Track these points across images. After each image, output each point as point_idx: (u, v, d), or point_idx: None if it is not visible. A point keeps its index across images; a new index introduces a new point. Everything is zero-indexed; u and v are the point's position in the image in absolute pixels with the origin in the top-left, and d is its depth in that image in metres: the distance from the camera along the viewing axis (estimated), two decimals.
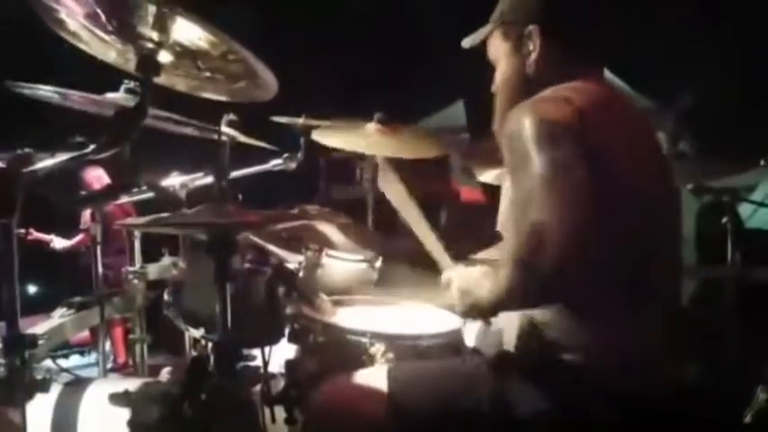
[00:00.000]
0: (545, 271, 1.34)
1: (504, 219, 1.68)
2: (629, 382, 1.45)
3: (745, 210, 3.09)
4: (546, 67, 1.62)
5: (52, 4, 1.37)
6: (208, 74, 1.57)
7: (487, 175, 3.01)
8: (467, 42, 1.82)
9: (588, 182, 1.37)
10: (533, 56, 1.63)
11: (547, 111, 1.44)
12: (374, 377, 1.63)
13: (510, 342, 1.58)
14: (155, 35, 1.40)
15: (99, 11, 1.37)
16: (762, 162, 2.71)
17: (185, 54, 1.47)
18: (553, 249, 1.33)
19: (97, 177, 4.46)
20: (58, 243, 4.77)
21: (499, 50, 1.70)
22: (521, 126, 1.43)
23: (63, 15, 1.41)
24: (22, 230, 2.26)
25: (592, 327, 1.47)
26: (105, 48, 1.50)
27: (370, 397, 1.58)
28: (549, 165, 1.38)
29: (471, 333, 1.93)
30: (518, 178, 1.44)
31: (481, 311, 1.58)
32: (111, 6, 1.36)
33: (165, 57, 1.45)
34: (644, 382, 1.47)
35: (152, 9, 1.34)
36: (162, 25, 1.38)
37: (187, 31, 1.39)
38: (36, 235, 4.71)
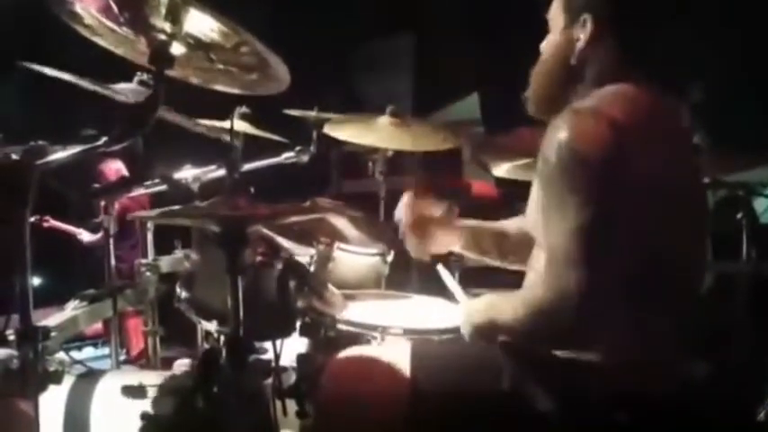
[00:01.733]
0: (562, 331, 1.42)
1: (533, 217, 1.64)
2: (642, 379, 1.45)
3: (760, 205, 3.07)
4: (591, 60, 1.57)
5: None
6: (220, 66, 1.57)
7: (500, 169, 3.00)
8: None
9: (621, 222, 1.38)
10: (580, 44, 1.57)
11: (584, 135, 1.40)
12: (388, 354, 1.63)
13: None
14: (167, 27, 1.40)
15: (111, 2, 1.37)
16: None
17: (198, 46, 1.46)
18: (574, 317, 1.39)
19: (116, 170, 4.47)
20: (86, 237, 4.79)
21: (556, 19, 1.64)
22: (557, 150, 1.40)
23: (77, 8, 1.41)
24: (38, 217, 2.28)
25: (607, 325, 1.46)
26: (119, 40, 1.50)
27: (383, 375, 1.58)
28: (585, 220, 1.38)
29: None
30: (549, 204, 1.45)
31: (483, 332, 1.59)
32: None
33: (177, 49, 1.45)
34: (658, 379, 1.46)
35: (165, 0, 1.34)
36: (174, 16, 1.38)
37: (200, 23, 1.39)
38: (60, 226, 4.72)
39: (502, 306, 1.56)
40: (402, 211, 1.94)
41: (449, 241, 1.96)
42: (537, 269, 1.61)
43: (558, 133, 1.42)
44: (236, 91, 1.71)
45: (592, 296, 1.37)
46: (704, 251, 1.64)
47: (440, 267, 1.96)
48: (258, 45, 1.42)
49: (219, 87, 1.69)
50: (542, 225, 1.48)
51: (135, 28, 1.43)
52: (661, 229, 1.44)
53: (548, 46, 1.66)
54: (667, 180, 1.45)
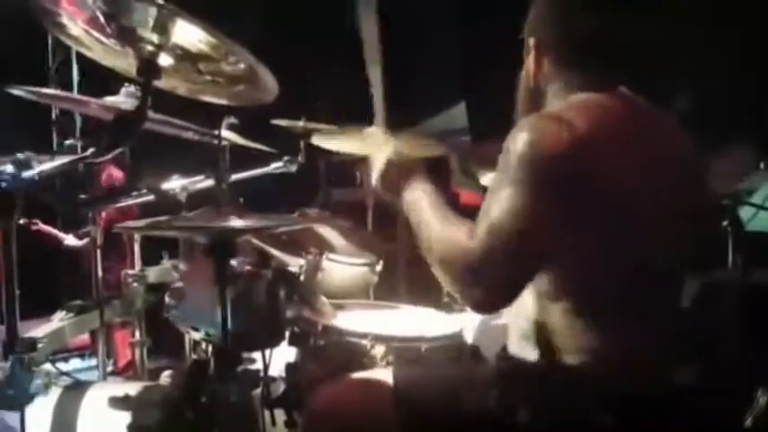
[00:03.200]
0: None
1: None
2: (630, 385, 1.45)
3: (745, 213, 3.09)
4: (544, 81, 1.61)
5: (53, 8, 1.37)
6: (208, 77, 1.57)
7: (488, 179, 3.01)
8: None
9: (548, 221, 1.40)
10: (532, 69, 1.62)
11: (544, 136, 1.42)
12: (375, 379, 1.63)
13: (513, 343, 1.59)
14: (155, 38, 1.40)
15: (99, 14, 1.37)
16: (762, 165, 2.71)
17: (186, 57, 1.47)
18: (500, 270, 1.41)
19: (118, 179, 4.44)
20: (70, 241, 4.75)
21: (528, 43, 1.67)
22: (514, 141, 1.43)
23: (64, 19, 1.41)
24: (26, 220, 2.27)
25: (595, 330, 1.47)
26: (106, 51, 1.50)
27: (373, 399, 1.58)
28: (520, 191, 1.40)
29: (470, 330, 1.94)
30: (495, 182, 1.47)
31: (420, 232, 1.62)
32: (111, 9, 1.36)
33: (165, 60, 1.45)
34: (645, 385, 1.47)
35: (152, 11, 1.34)
36: (162, 28, 1.38)
37: (187, 34, 1.39)
38: (47, 229, 4.68)
39: (431, 224, 1.60)
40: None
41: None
42: None
43: (519, 131, 1.44)
44: (223, 102, 1.71)
45: (491, 262, 1.41)
46: (686, 256, 1.64)
47: None
48: (246, 56, 1.42)
49: (207, 98, 1.70)
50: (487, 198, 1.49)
51: (122, 39, 1.43)
52: (629, 234, 1.44)
53: (521, 73, 1.69)
54: (636, 186, 1.44)
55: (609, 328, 1.47)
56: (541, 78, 1.62)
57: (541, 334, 1.51)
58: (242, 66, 1.49)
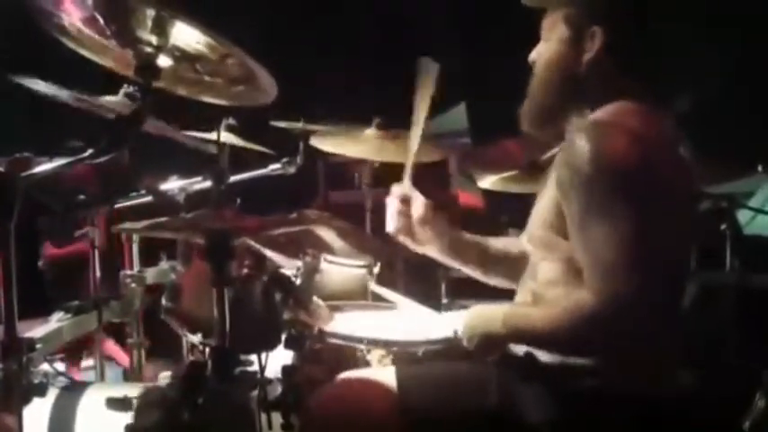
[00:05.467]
0: (621, 335, 1.40)
1: (537, 229, 1.64)
2: (631, 387, 1.46)
3: (743, 216, 3.09)
4: (597, 72, 1.57)
5: (52, 9, 1.37)
6: (207, 78, 1.57)
7: (486, 181, 3.01)
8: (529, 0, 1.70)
9: (663, 231, 1.40)
10: (588, 56, 1.56)
11: (614, 146, 1.42)
12: (373, 379, 1.63)
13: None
14: (153, 39, 1.40)
15: (97, 15, 1.37)
16: (760, 168, 2.71)
17: (184, 58, 1.47)
18: (633, 321, 1.38)
19: None
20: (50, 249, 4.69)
21: (555, 29, 1.62)
22: (595, 162, 1.41)
23: (63, 20, 1.41)
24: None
25: (654, 329, 1.47)
26: (105, 52, 1.50)
27: (370, 399, 1.58)
28: (637, 226, 1.38)
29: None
30: (588, 214, 1.43)
31: (496, 341, 1.57)
32: (110, 10, 1.36)
33: (164, 61, 1.45)
34: (645, 388, 1.48)
35: (151, 13, 1.34)
36: (161, 29, 1.38)
37: (186, 35, 1.39)
38: None
39: (531, 315, 1.53)
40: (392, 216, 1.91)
41: (428, 239, 1.89)
42: (542, 281, 1.60)
43: (585, 145, 1.42)
44: (222, 102, 1.71)
45: (645, 299, 1.37)
46: (688, 264, 1.68)
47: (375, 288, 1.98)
48: (245, 57, 1.42)
49: (206, 99, 1.70)
50: (577, 236, 1.46)
51: (121, 40, 1.43)
52: (679, 238, 1.49)
53: (546, 57, 1.64)
54: (678, 190, 1.49)
55: (660, 329, 1.48)
56: (592, 69, 1.57)
57: None
58: (240, 67, 1.49)
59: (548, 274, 1.55)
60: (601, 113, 1.54)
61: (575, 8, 1.59)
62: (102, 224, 2.45)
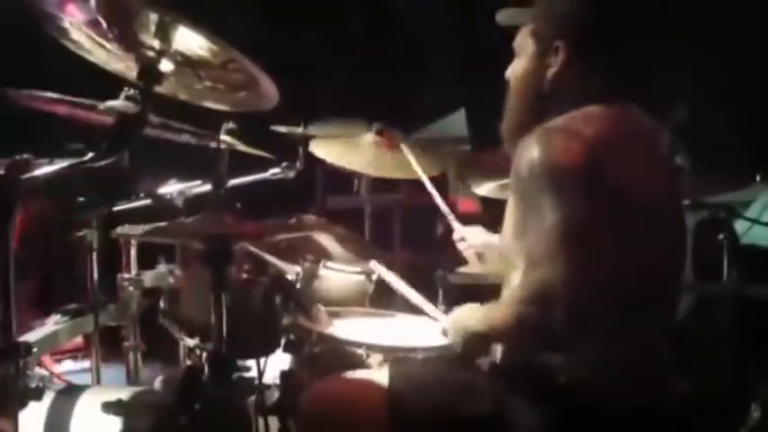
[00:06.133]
0: (549, 325, 1.40)
1: (508, 239, 1.67)
2: (624, 398, 1.46)
3: (741, 226, 3.10)
4: (564, 85, 1.59)
5: (55, 12, 1.37)
6: (209, 83, 1.57)
7: (484, 188, 3.00)
8: (501, 17, 1.74)
9: (595, 228, 1.40)
10: (553, 70, 1.59)
11: (557, 151, 1.43)
12: (368, 380, 1.63)
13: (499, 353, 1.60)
14: (156, 44, 1.40)
15: (101, 19, 1.37)
16: (758, 178, 2.72)
17: (186, 63, 1.47)
18: (559, 309, 1.38)
19: None
20: None
21: (525, 45, 1.65)
22: (530, 166, 1.43)
23: (66, 23, 1.41)
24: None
25: (591, 343, 1.47)
26: (107, 56, 1.50)
27: (366, 400, 1.58)
28: (560, 219, 1.39)
29: None
30: (527, 216, 1.47)
31: (478, 340, 1.58)
32: (113, 14, 1.36)
33: (166, 66, 1.45)
34: (640, 398, 1.48)
35: (154, 17, 1.34)
36: (164, 34, 1.38)
37: (189, 40, 1.39)
38: None
39: (494, 314, 1.56)
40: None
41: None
42: (512, 285, 1.62)
43: (530, 150, 1.44)
44: (224, 108, 1.71)
45: (572, 287, 1.38)
46: (680, 269, 1.66)
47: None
48: (247, 63, 1.43)
49: (208, 104, 1.70)
50: (520, 238, 1.50)
51: (124, 44, 1.43)
52: (635, 243, 1.45)
53: (517, 74, 1.67)
54: (641, 197, 1.47)
55: (607, 339, 1.47)
56: (557, 82, 1.59)
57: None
58: (242, 73, 1.49)
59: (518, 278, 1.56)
60: (556, 120, 1.55)
61: (539, 23, 1.63)
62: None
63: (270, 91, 1.54)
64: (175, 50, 1.41)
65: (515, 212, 1.56)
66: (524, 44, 1.65)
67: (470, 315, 1.61)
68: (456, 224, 2.19)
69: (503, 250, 1.68)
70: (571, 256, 1.38)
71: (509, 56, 1.72)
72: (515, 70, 1.68)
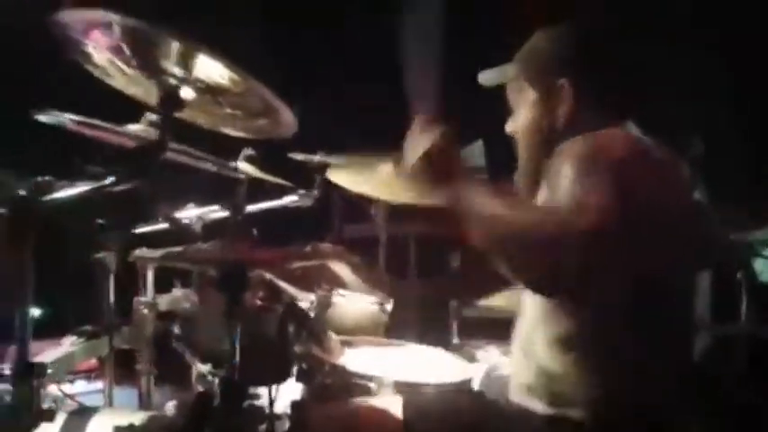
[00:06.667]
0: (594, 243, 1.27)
1: None
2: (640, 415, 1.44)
3: (759, 264, 3.07)
4: (575, 120, 1.59)
5: (79, 38, 1.40)
6: (228, 110, 1.59)
7: None
8: (485, 79, 1.78)
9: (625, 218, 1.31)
10: (563, 109, 1.59)
11: (600, 145, 1.42)
12: (380, 407, 1.63)
13: (517, 393, 1.57)
14: (177, 71, 1.42)
15: (123, 45, 1.39)
16: None
17: (207, 90, 1.49)
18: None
19: None
20: None
21: (523, 96, 1.66)
22: (578, 158, 1.38)
23: (89, 48, 1.43)
24: None
25: (601, 381, 1.46)
26: (129, 81, 1.53)
27: (377, 425, 1.57)
28: (603, 190, 1.31)
29: (476, 377, 1.93)
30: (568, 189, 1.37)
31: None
32: (136, 42, 1.38)
33: (187, 93, 1.47)
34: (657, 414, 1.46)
35: (176, 45, 1.36)
36: (185, 62, 1.40)
37: (209, 68, 1.41)
38: None
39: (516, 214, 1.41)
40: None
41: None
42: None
43: (564, 153, 1.43)
44: (242, 135, 1.73)
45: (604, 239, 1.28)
46: (692, 293, 1.63)
47: None
48: (265, 92, 1.44)
49: (226, 131, 1.72)
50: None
51: (145, 71, 1.45)
52: (658, 261, 1.43)
53: (524, 124, 1.65)
54: (664, 216, 1.43)
55: (617, 379, 1.46)
56: (562, 119, 1.60)
57: (549, 384, 1.50)
58: (261, 101, 1.50)
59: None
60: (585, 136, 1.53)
61: (534, 71, 1.64)
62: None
63: (288, 118, 1.55)
64: (196, 78, 1.43)
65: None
66: (521, 95, 1.67)
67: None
68: None
69: None
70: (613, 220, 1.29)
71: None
72: (520, 122, 1.67)
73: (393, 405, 1.63)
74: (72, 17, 1.34)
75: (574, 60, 1.61)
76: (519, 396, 1.57)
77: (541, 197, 1.57)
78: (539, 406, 1.50)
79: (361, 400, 1.72)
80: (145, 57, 1.41)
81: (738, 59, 3.62)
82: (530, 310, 1.59)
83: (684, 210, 1.56)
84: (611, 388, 1.45)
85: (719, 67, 3.64)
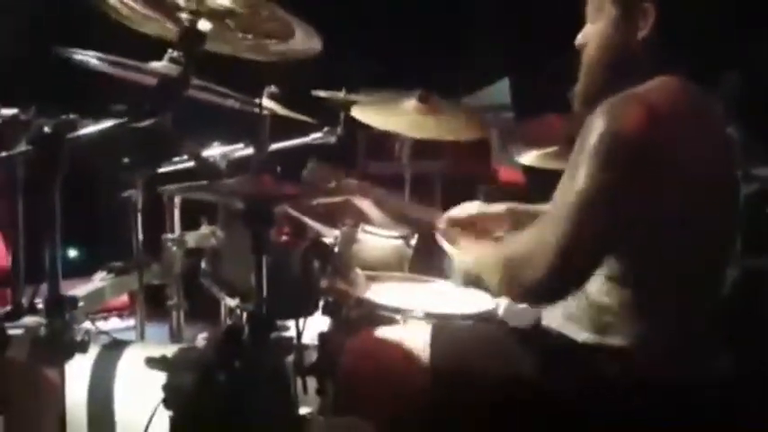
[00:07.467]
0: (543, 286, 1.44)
1: None
2: (674, 370, 1.46)
3: None
4: (649, 49, 1.55)
5: None
6: (241, 34, 1.57)
7: (527, 157, 2.97)
8: None
9: (635, 203, 1.39)
10: (642, 33, 1.54)
11: (622, 122, 1.41)
12: (407, 338, 1.66)
13: (555, 320, 1.58)
14: (192, 4, 1.41)
15: None
16: None
17: (224, 17, 1.47)
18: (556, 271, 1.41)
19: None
20: None
21: (602, 11, 1.59)
22: (599, 134, 1.41)
23: None
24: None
25: (644, 314, 1.48)
26: (145, 20, 1.52)
27: (404, 357, 1.61)
28: (594, 175, 1.40)
29: (501, 306, 1.95)
30: (568, 173, 1.46)
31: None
32: None
33: (204, 25, 1.45)
34: (688, 371, 1.48)
35: None
36: None
37: None
38: None
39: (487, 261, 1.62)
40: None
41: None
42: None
43: (601, 119, 1.42)
44: (262, 58, 1.71)
45: (569, 251, 1.39)
46: (731, 247, 1.63)
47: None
48: (280, 11, 1.42)
49: (246, 55, 1.70)
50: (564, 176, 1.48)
51: (159, 10, 1.44)
52: (688, 219, 1.44)
53: (597, 39, 1.61)
54: (701, 172, 1.45)
55: (663, 312, 1.48)
56: (645, 47, 1.55)
57: (595, 314, 1.51)
58: (276, 22, 1.49)
59: None
60: (635, 91, 1.51)
61: None
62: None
63: (308, 37, 1.53)
64: (209, 8, 1.42)
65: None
66: (601, 10, 1.60)
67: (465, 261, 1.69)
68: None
69: None
70: (584, 222, 1.39)
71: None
72: (593, 36, 1.62)
73: (419, 334, 1.65)
74: None
75: None
76: (557, 323, 1.59)
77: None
78: (581, 334, 1.53)
79: (387, 329, 1.74)
80: None
81: None
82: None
83: (718, 164, 1.54)
84: (656, 321, 1.48)
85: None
